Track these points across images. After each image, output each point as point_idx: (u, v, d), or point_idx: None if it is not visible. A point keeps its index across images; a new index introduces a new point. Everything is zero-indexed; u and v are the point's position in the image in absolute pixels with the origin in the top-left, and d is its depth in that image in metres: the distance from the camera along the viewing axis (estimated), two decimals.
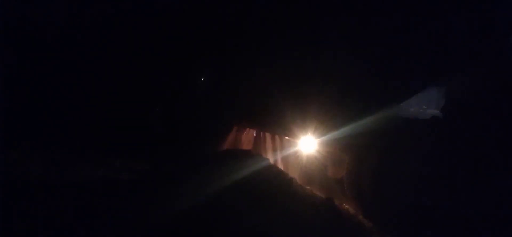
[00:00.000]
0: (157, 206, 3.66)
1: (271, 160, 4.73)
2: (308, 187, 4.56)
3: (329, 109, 4.25)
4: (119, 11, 4.26)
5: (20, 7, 4.31)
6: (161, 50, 4.29)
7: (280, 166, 4.94)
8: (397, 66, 4.19)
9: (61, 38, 4.34)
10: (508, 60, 4.33)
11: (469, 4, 4.13)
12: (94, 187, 3.75)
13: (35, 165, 3.84)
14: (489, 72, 4.31)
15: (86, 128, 4.27)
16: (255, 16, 4.25)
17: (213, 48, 4.30)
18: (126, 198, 3.72)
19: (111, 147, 4.24)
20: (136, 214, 3.58)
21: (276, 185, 4.22)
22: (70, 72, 4.31)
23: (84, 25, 4.31)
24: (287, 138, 4.81)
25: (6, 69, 4.14)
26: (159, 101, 4.43)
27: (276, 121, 4.39)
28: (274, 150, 5.21)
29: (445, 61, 4.18)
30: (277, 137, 5.11)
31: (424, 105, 4.34)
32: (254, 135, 5.28)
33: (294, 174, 4.76)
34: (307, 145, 4.68)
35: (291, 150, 5.03)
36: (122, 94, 4.29)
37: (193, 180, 3.89)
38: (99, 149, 4.20)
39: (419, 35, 4.13)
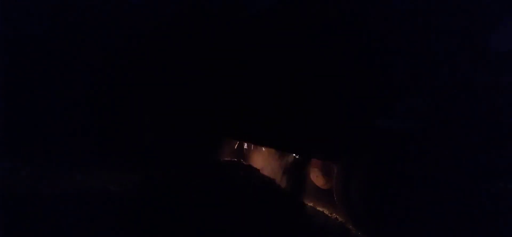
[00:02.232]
0: (147, 217, 3.67)
1: (261, 170, 4.74)
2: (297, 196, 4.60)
3: (320, 118, 4.28)
4: (109, 17, 4.24)
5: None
6: (151, 56, 4.27)
7: (269, 175, 4.95)
8: (385, 73, 4.23)
9: (48, 47, 4.31)
10: (490, 61, 4.38)
11: (449, 4, 4.18)
12: (84, 198, 3.73)
13: (26, 176, 3.84)
14: (471, 73, 4.37)
15: (76, 137, 4.25)
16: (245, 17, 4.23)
17: (203, 50, 4.26)
18: (115, 210, 3.71)
19: (100, 157, 4.23)
20: (126, 226, 3.59)
21: (267, 194, 4.25)
22: (59, 81, 4.29)
23: (69, 31, 4.28)
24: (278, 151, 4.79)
25: None
26: (150, 110, 4.41)
27: (266, 132, 4.36)
28: (262, 159, 5.21)
29: (428, 64, 4.22)
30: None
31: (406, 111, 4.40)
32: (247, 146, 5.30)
33: (282, 183, 4.78)
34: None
35: (279, 159, 5.04)
36: (111, 103, 4.27)
37: (184, 191, 3.91)
38: (88, 159, 4.19)
39: (404, 39, 4.16)
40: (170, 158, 4.23)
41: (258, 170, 4.53)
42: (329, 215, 4.54)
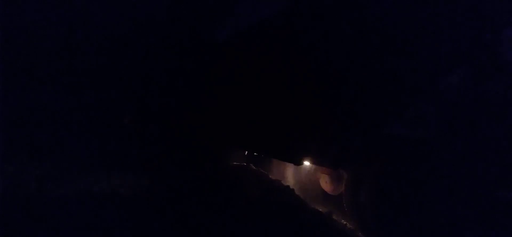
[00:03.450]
0: (155, 222, 3.65)
1: (269, 175, 4.73)
2: (306, 202, 4.57)
3: (329, 125, 4.23)
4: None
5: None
6: (159, 58, 4.24)
7: (278, 181, 4.92)
8: (395, 79, 4.19)
9: (52, 47, 4.31)
10: (502, 57, 4.32)
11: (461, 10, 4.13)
12: (92, 201, 3.72)
13: (32, 178, 3.81)
14: (483, 70, 4.32)
15: (84, 140, 4.24)
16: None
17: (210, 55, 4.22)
18: (124, 214, 3.69)
19: (109, 160, 4.21)
20: (134, 229, 3.56)
21: (276, 199, 4.24)
22: (65, 82, 4.28)
23: (74, 29, 4.27)
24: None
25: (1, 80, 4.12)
26: (159, 113, 4.37)
27: (271, 140, 4.23)
28: (271, 164, 5.18)
29: (438, 70, 4.18)
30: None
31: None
32: None
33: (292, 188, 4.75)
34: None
35: (288, 165, 5.01)
36: (119, 106, 4.25)
37: (192, 195, 3.90)
38: (97, 162, 4.18)
39: (414, 35, 4.10)
40: (179, 162, 4.22)
41: (267, 175, 4.53)
42: (338, 221, 4.50)
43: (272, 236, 3.89)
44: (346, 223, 4.49)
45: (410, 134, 4.46)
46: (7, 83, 4.15)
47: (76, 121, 4.20)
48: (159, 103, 4.26)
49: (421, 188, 4.16)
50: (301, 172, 4.91)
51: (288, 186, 4.57)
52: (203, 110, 4.14)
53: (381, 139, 4.32)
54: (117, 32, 4.13)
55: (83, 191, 3.85)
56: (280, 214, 4.11)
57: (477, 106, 4.21)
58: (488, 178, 4.15)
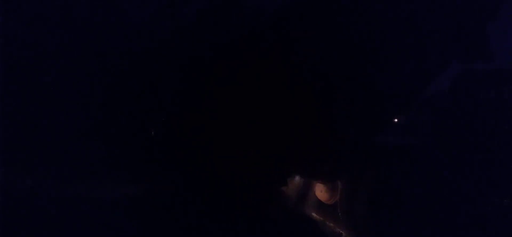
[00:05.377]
0: (153, 225, 3.71)
1: None
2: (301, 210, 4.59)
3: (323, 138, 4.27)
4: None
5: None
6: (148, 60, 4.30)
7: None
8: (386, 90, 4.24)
9: (52, 51, 4.39)
10: (489, 52, 4.31)
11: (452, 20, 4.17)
12: (89, 207, 3.78)
13: (32, 181, 3.88)
14: (472, 89, 4.34)
15: (83, 144, 4.27)
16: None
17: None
18: (121, 220, 3.74)
19: (107, 166, 4.25)
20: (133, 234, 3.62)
21: (272, 206, 4.26)
22: (66, 86, 4.33)
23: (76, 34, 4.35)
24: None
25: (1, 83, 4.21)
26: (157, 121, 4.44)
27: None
28: None
29: (429, 80, 4.22)
30: None
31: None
32: None
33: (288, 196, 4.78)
34: None
35: None
36: (116, 109, 4.29)
37: (189, 198, 3.94)
38: (95, 167, 4.22)
39: (403, 56, 4.16)
40: (177, 165, 4.25)
41: (264, 182, 4.55)
42: (333, 229, 4.50)
43: None
44: (341, 232, 4.49)
45: (403, 142, 4.50)
46: (6, 84, 4.22)
47: (74, 124, 4.24)
48: (162, 108, 4.33)
49: (415, 196, 4.16)
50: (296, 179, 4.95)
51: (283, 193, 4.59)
52: (201, 113, 4.23)
53: (374, 148, 4.37)
54: (116, 36, 4.22)
55: (81, 194, 3.91)
56: (275, 221, 4.13)
57: (469, 112, 4.25)
58: (483, 184, 4.15)
